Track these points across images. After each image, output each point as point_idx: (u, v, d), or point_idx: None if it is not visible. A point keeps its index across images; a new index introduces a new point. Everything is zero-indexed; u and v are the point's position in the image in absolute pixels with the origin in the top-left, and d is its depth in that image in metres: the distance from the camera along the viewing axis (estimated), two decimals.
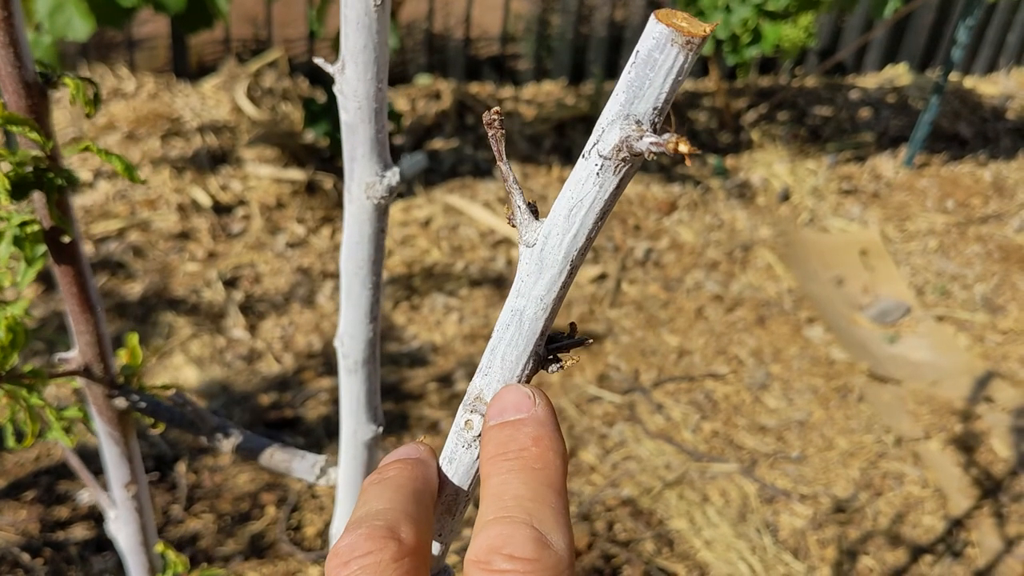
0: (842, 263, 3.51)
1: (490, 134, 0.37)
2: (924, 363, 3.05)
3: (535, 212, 0.37)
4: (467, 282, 3.12)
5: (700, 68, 4.49)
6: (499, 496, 0.38)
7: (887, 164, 4.09)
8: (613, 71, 4.41)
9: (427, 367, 2.74)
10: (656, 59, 0.31)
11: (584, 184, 0.34)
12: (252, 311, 2.84)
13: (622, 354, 2.90)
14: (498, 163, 0.37)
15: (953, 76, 4.65)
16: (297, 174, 3.34)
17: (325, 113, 3.31)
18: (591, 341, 0.41)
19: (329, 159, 3.49)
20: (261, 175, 3.33)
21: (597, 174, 0.33)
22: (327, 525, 2.22)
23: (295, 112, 3.65)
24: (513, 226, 0.37)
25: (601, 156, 0.33)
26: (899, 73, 4.82)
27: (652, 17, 0.32)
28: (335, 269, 3.06)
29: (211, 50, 3.99)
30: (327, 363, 2.69)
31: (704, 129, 4.13)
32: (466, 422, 0.41)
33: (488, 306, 3.02)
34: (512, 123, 3.91)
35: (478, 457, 0.41)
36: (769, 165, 3.96)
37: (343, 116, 0.54)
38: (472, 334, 2.89)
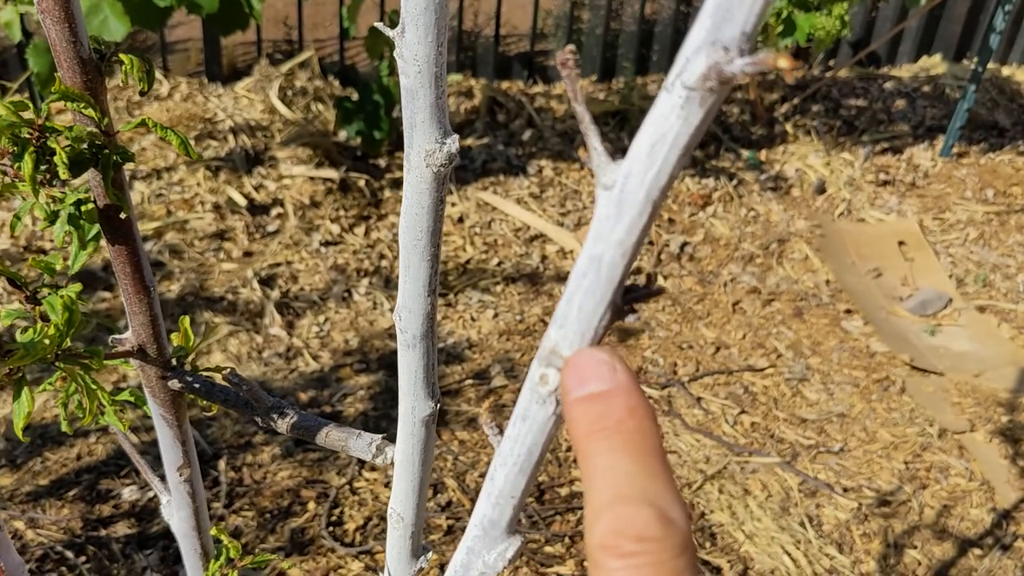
0: (880, 254, 3.46)
1: (564, 73, 0.36)
2: (966, 354, 3.01)
3: (611, 155, 0.36)
4: (502, 278, 3.11)
5: None
6: (610, 476, 0.37)
7: (924, 154, 4.04)
8: (644, 66, 4.39)
9: (463, 363, 2.74)
10: None
11: (667, 118, 0.33)
12: (289, 309, 2.85)
13: (659, 348, 2.89)
14: (573, 104, 0.36)
15: (990, 64, 4.58)
16: (331, 173, 3.36)
17: (358, 112, 3.32)
18: (665, 290, 0.40)
19: (361, 158, 3.50)
20: (295, 174, 3.34)
21: (681, 107, 0.32)
22: (367, 520, 2.22)
23: (327, 112, 3.67)
24: (590, 169, 0.36)
25: (686, 87, 0.32)
26: (934, 63, 4.76)
27: None
28: (370, 267, 3.06)
29: (243, 52, 4.02)
30: (364, 360, 2.70)
31: (737, 122, 4.10)
32: (541, 376, 0.40)
33: (523, 302, 3.01)
34: (544, 118, 3.90)
35: (553, 413, 0.40)
36: (804, 157, 3.92)
37: (403, 81, 0.54)
38: (508, 330, 2.88)
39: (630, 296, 0.38)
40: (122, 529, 2.13)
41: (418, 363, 0.66)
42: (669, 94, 0.33)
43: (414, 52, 0.53)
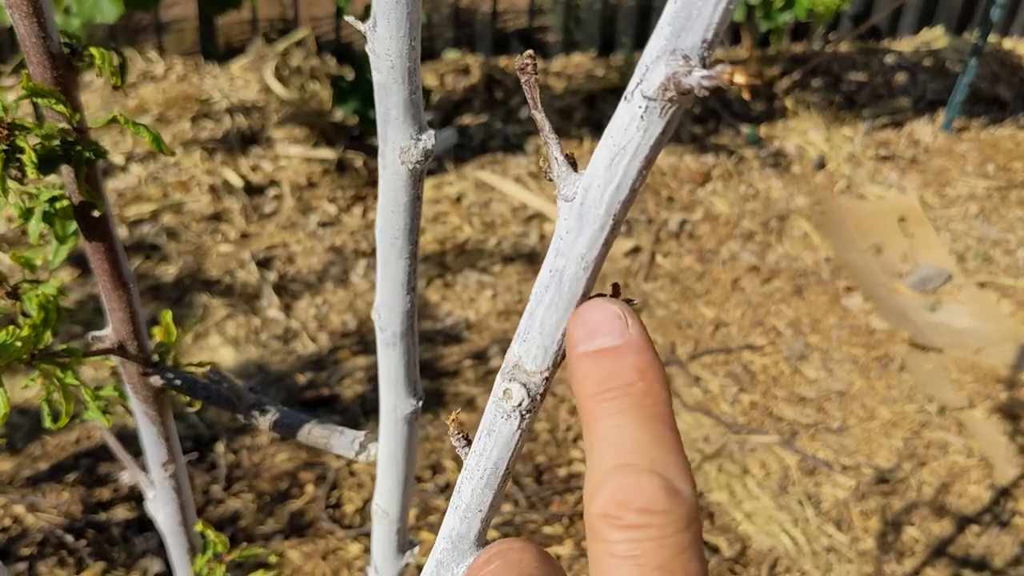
0: (880, 231, 3.45)
1: (523, 80, 0.35)
2: (967, 330, 3.00)
3: (573, 164, 0.35)
4: (500, 258, 3.10)
5: (732, 36, 4.42)
6: (615, 441, 0.35)
7: (925, 129, 4.01)
8: (643, 41, 4.36)
9: (462, 344, 2.74)
10: None
11: (627, 129, 0.31)
12: (286, 291, 2.85)
13: (658, 327, 2.88)
14: (532, 111, 0.35)
15: (991, 37, 4.54)
16: (327, 153, 3.34)
17: (354, 91, 3.30)
18: (635, 302, 0.38)
19: (358, 137, 3.48)
20: (291, 155, 3.33)
21: (641, 117, 0.31)
22: (366, 502, 2.22)
23: (323, 91, 3.64)
24: (550, 179, 0.35)
25: (645, 97, 0.30)
26: (935, 36, 4.72)
27: None
28: (368, 248, 3.05)
29: (238, 31, 3.99)
30: (362, 341, 2.69)
31: (737, 98, 4.07)
32: (504, 391, 0.39)
33: (521, 282, 3.00)
34: (542, 96, 3.87)
35: (519, 428, 0.39)
36: (804, 133, 3.89)
37: (376, 76, 0.53)
38: (506, 310, 2.88)
39: None
40: (121, 513, 2.14)
41: (398, 361, 0.65)
42: (629, 104, 0.32)
43: (386, 47, 0.51)
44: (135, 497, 2.17)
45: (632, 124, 0.32)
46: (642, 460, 0.35)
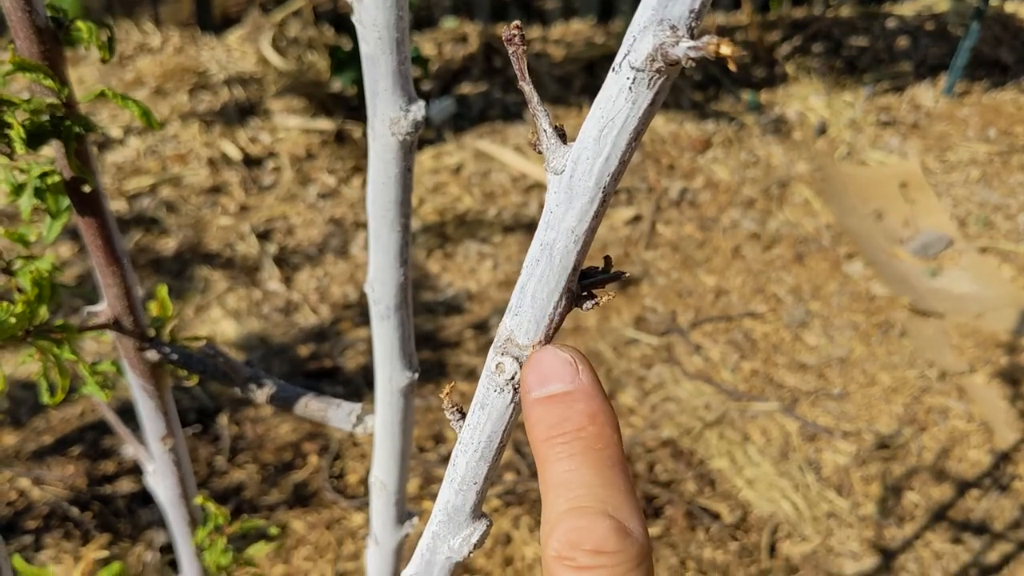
0: (881, 196, 3.43)
1: (510, 51, 0.34)
2: (967, 296, 2.99)
3: (563, 136, 0.35)
4: (500, 228, 3.09)
5: (732, 1, 4.38)
6: (567, 484, 0.37)
7: (926, 93, 3.98)
8: None
9: (463, 314, 2.74)
10: None
11: (615, 101, 0.31)
12: (287, 263, 2.84)
13: (659, 296, 2.88)
14: (520, 83, 0.34)
15: (993, 1, 4.50)
16: (326, 124, 3.32)
17: (351, 61, 3.27)
18: (627, 274, 0.38)
19: (357, 107, 3.46)
20: (290, 126, 3.31)
21: (630, 88, 0.30)
22: (369, 473, 2.23)
23: (321, 61, 3.62)
24: (539, 152, 0.35)
25: (633, 68, 0.30)
26: None
27: None
28: (367, 219, 3.04)
29: (234, 2, 3.96)
30: (363, 313, 2.69)
31: (737, 64, 4.03)
32: (497, 365, 0.39)
33: (522, 252, 3.00)
34: (541, 64, 3.85)
35: (512, 401, 0.39)
36: (805, 99, 3.87)
37: (363, 48, 0.52)
38: (507, 280, 2.87)
39: (587, 281, 0.37)
40: (126, 485, 2.15)
41: (393, 334, 0.65)
42: (617, 75, 0.31)
43: (373, 17, 0.51)
44: (139, 470, 2.18)
45: (620, 95, 0.31)
46: (593, 502, 0.36)
